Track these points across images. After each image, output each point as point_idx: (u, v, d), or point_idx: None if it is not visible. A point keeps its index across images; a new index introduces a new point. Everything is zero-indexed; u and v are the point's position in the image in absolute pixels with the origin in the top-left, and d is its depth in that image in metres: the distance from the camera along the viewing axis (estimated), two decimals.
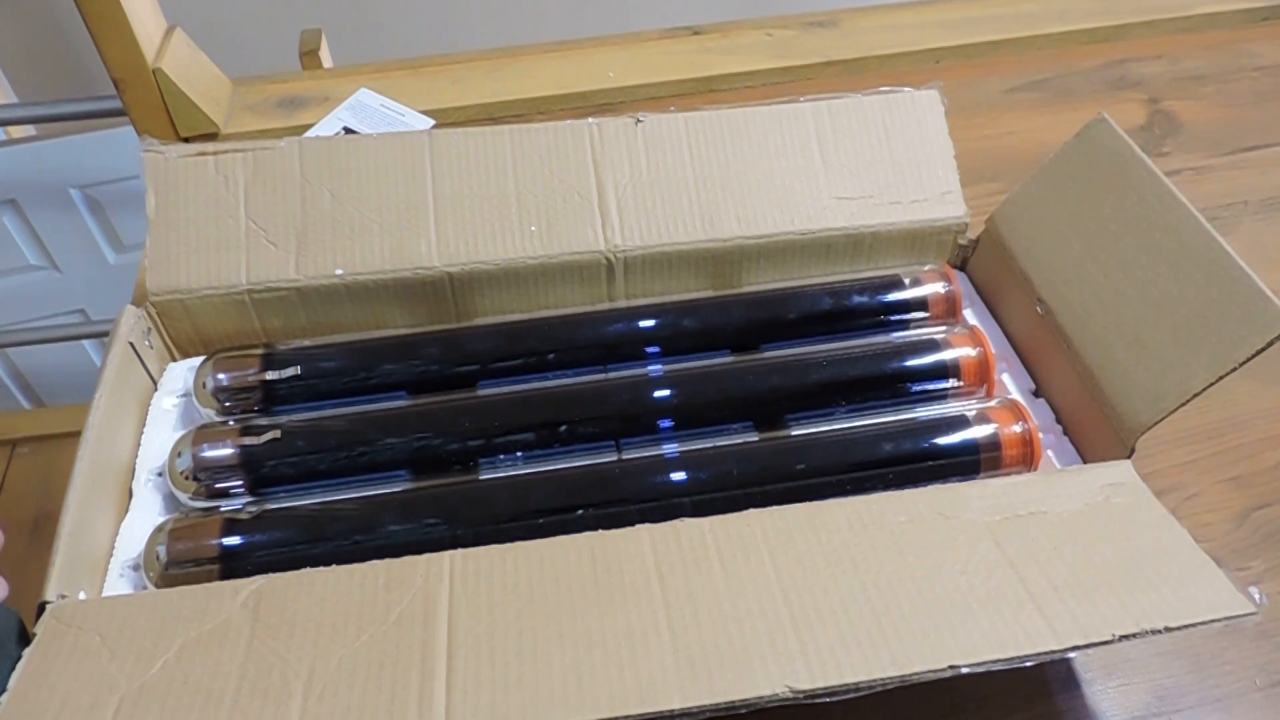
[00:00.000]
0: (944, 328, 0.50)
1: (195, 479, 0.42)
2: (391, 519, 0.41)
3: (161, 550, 0.39)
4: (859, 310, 0.50)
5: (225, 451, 0.42)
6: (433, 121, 0.70)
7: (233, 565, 0.39)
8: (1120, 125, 0.47)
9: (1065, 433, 0.46)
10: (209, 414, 0.45)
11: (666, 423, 0.45)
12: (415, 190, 0.49)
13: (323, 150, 0.49)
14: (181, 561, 0.39)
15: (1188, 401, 0.40)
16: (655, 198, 0.50)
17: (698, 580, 0.35)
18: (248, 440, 0.43)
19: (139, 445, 0.44)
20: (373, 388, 0.47)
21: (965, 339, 0.48)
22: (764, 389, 0.47)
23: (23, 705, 0.32)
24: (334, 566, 0.36)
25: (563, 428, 0.44)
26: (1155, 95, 0.76)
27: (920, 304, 0.50)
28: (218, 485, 0.42)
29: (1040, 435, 0.44)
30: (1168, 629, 0.34)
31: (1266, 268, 0.41)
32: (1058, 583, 0.35)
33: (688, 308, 0.50)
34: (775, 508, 0.38)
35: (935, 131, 0.53)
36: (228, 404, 0.45)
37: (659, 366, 0.48)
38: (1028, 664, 0.33)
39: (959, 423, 0.45)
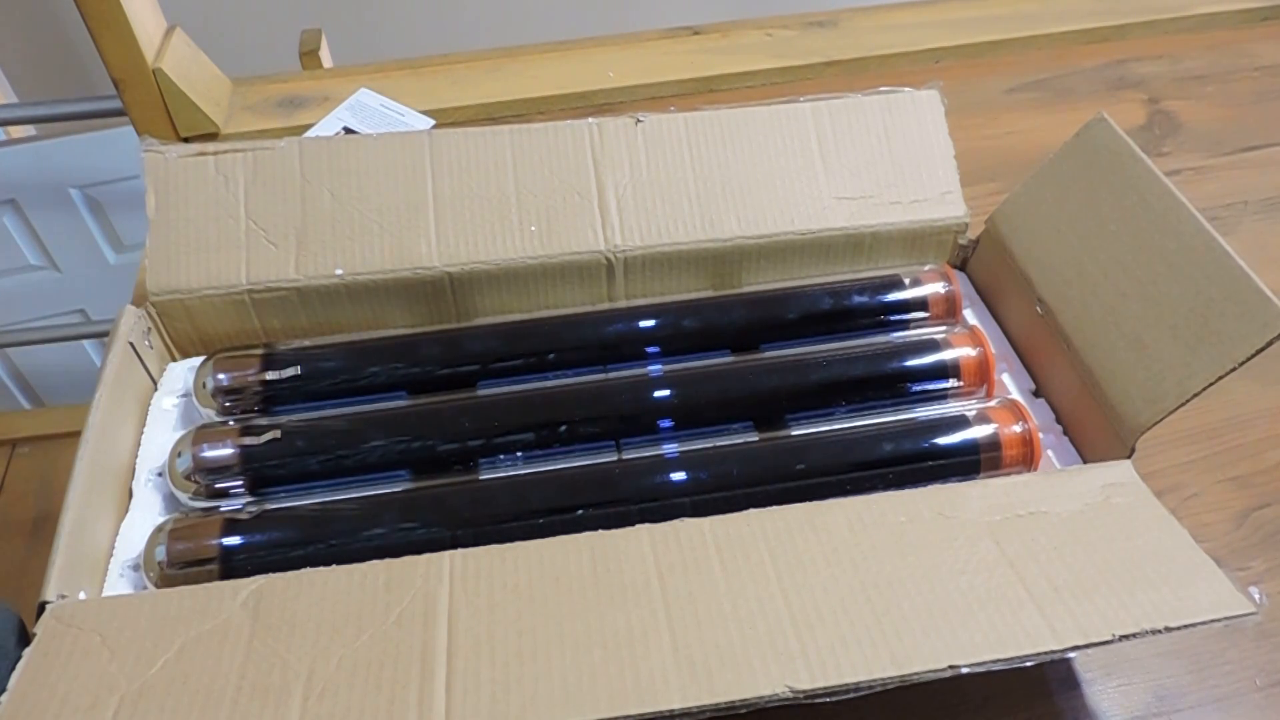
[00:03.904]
0: (944, 328, 0.50)
1: (195, 479, 0.42)
2: (391, 519, 0.41)
3: (161, 550, 0.39)
4: (859, 310, 0.50)
5: (225, 451, 0.42)
6: (433, 121, 0.70)
7: (233, 565, 0.39)
8: (1120, 125, 0.47)
9: (1065, 433, 0.46)
10: (209, 414, 0.45)
11: (666, 423, 0.45)
12: (415, 190, 0.49)
13: (323, 150, 0.49)
14: (181, 562, 0.39)
15: (1188, 401, 0.40)
16: (655, 198, 0.50)
17: (698, 580, 0.35)
18: (248, 440, 0.43)
19: (139, 445, 0.44)
20: (373, 388, 0.47)
21: (965, 339, 0.48)
22: (764, 389, 0.47)
23: (23, 705, 0.32)
24: (334, 566, 0.36)
25: (563, 428, 0.44)
26: (1155, 95, 0.76)
27: (920, 304, 0.50)
28: (218, 485, 0.42)
29: (1040, 435, 0.44)
30: (1168, 629, 0.34)
31: (1266, 268, 0.41)
32: (1058, 583, 0.35)
33: (688, 308, 0.50)
34: (775, 508, 0.38)
35: (935, 131, 0.53)
36: (228, 404, 0.45)
37: (659, 366, 0.48)
38: (1028, 664, 0.33)
39: (959, 423, 0.45)
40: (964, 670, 0.33)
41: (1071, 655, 0.42)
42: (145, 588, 0.39)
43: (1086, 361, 0.44)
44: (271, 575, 0.36)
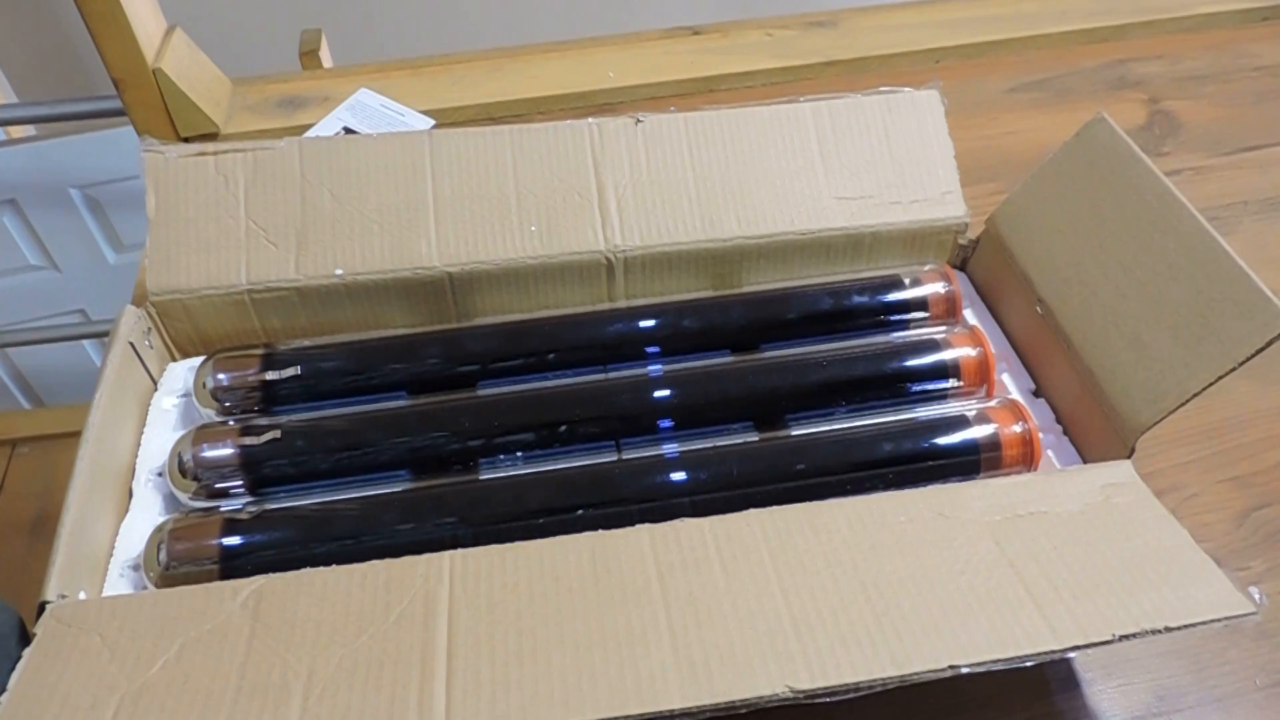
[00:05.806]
0: (944, 328, 0.50)
1: (195, 479, 0.42)
2: (391, 519, 0.41)
3: (161, 550, 0.39)
4: (859, 310, 0.50)
5: (225, 451, 0.42)
6: (433, 121, 0.70)
7: (233, 565, 0.39)
8: (1120, 125, 0.47)
9: (1065, 433, 0.46)
10: (209, 414, 0.45)
11: (666, 423, 0.45)
12: (415, 190, 0.49)
13: (323, 150, 0.49)
14: (181, 561, 0.39)
15: (1188, 401, 0.40)
16: (655, 198, 0.50)
17: (698, 580, 0.35)
18: (248, 440, 0.43)
19: (139, 445, 0.44)
20: (373, 388, 0.47)
21: (965, 339, 0.48)
22: (764, 389, 0.47)
23: (23, 705, 0.32)
24: (334, 566, 0.36)
25: (563, 428, 0.44)
26: (1155, 95, 0.76)
27: (920, 304, 0.50)
28: (218, 485, 0.42)
29: (1040, 435, 0.44)
30: (1168, 629, 0.34)
31: (1266, 268, 0.41)
32: (1058, 583, 0.35)
33: (688, 308, 0.50)
34: (775, 508, 0.38)
35: (935, 131, 0.53)
36: (228, 404, 0.45)
37: (659, 366, 0.48)
38: (1028, 664, 0.33)
39: (959, 423, 0.45)
40: (964, 670, 0.33)
41: (1071, 655, 0.42)
42: (145, 588, 0.39)
43: (1086, 361, 0.44)
44: (271, 575, 0.36)
